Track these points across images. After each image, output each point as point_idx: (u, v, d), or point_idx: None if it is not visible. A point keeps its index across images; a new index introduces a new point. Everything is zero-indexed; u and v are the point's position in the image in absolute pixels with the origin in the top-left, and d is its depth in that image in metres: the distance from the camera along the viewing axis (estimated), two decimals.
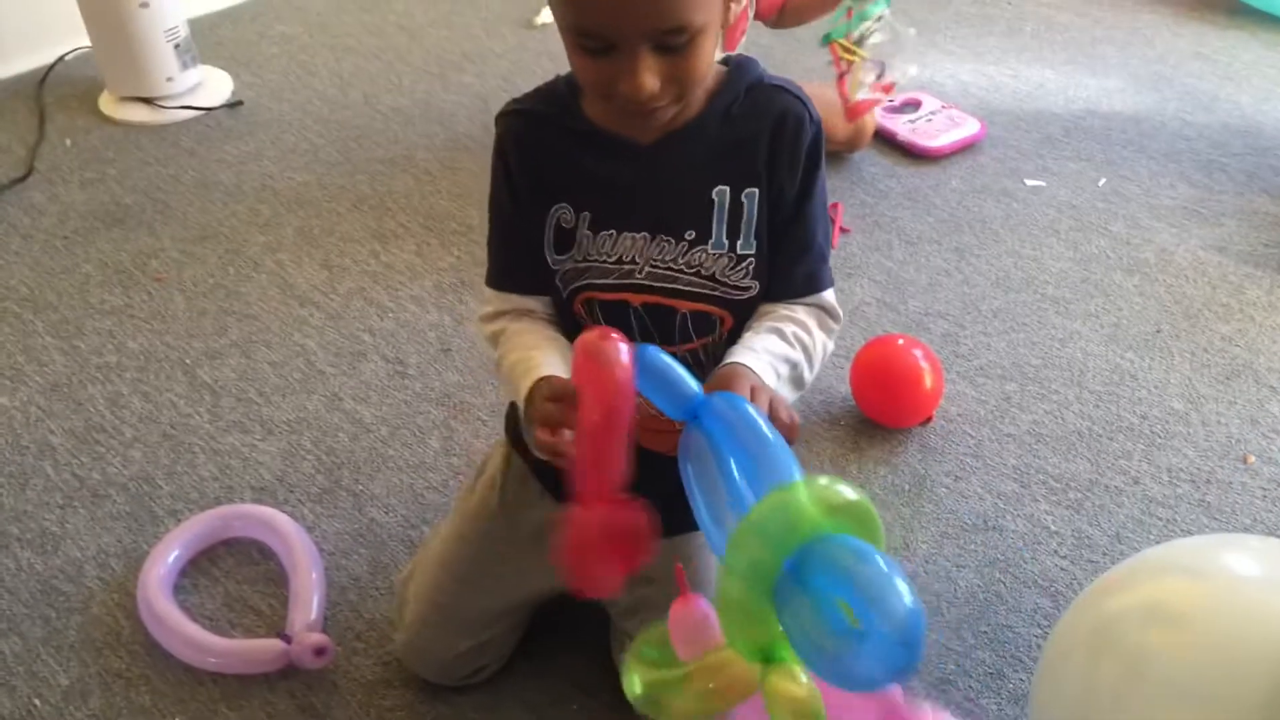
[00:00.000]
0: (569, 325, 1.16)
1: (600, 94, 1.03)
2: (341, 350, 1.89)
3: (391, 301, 2.00)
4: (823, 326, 1.15)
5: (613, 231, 1.11)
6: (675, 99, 1.03)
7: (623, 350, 0.91)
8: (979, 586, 1.48)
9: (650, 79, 0.98)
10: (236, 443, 1.71)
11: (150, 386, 1.82)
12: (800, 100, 1.11)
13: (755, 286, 1.13)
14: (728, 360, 1.05)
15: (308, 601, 1.41)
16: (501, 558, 1.29)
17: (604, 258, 1.12)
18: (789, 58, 2.58)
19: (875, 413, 1.73)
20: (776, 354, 1.08)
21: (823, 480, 0.79)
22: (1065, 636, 1.17)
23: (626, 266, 1.12)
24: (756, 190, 1.10)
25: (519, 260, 1.17)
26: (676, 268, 1.11)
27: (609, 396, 0.90)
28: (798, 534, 0.77)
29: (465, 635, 1.30)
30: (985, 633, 1.42)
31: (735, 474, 0.89)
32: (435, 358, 1.87)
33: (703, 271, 1.12)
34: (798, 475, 0.83)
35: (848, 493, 0.78)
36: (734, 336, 1.16)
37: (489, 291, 1.20)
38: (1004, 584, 1.48)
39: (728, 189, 1.10)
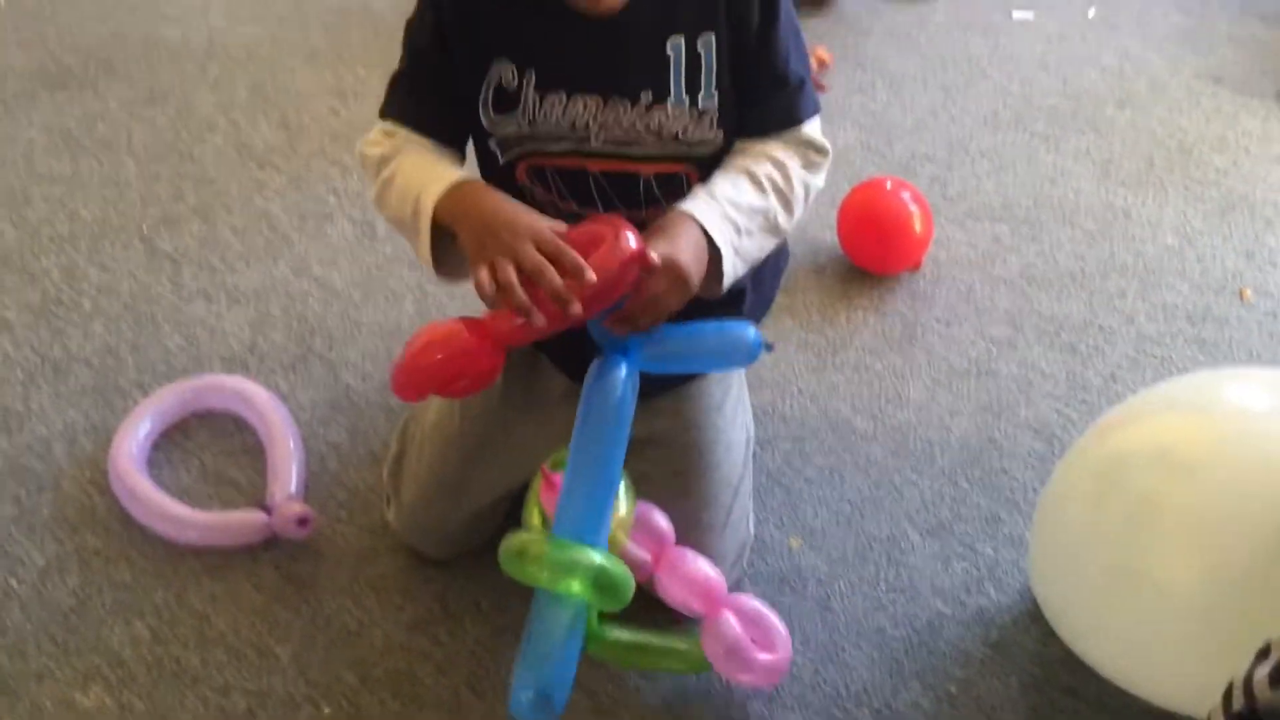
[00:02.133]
0: (510, 194, 1.08)
1: None
2: (306, 213, 1.81)
3: (355, 161, 1.91)
4: (806, 163, 1.09)
5: (562, 94, 1.04)
6: None
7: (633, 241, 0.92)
8: (973, 432, 1.45)
9: None
10: (202, 312, 1.64)
11: (107, 257, 1.74)
12: None
13: (720, 137, 1.07)
14: (682, 206, 1.00)
15: (286, 472, 1.37)
16: (508, 431, 1.25)
17: (554, 122, 1.05)
18: None
19: (863, 260, 1.68)
20: (740, 204, 1.02)
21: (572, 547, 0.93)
22: (1066, 479, 1.14)
23: (580, 132, 1.05)
24: (713, 34, 1.03)
25: (429, 100, 1.09)
26: (635, 131, 1.05)
27: (613, 281, 0.91)
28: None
29: (468, 509, 1.25)
30: (980, 478, 1.40)
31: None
32: None
33: (664, 132, 1.05)
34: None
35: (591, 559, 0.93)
36: None
37: (383, 123, 1.11)
38: (998, 429, 1.46)
39: (682, 39, 1.03)
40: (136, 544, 1.34)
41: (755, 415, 1.41)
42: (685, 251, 0.97)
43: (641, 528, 1.09)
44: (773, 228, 1.06)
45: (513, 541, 0.96)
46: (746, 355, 1.04)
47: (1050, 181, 1.83)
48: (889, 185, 1.68)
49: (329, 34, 2.20)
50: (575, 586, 0.93)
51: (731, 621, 1.09)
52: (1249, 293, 1.62)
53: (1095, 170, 1.85)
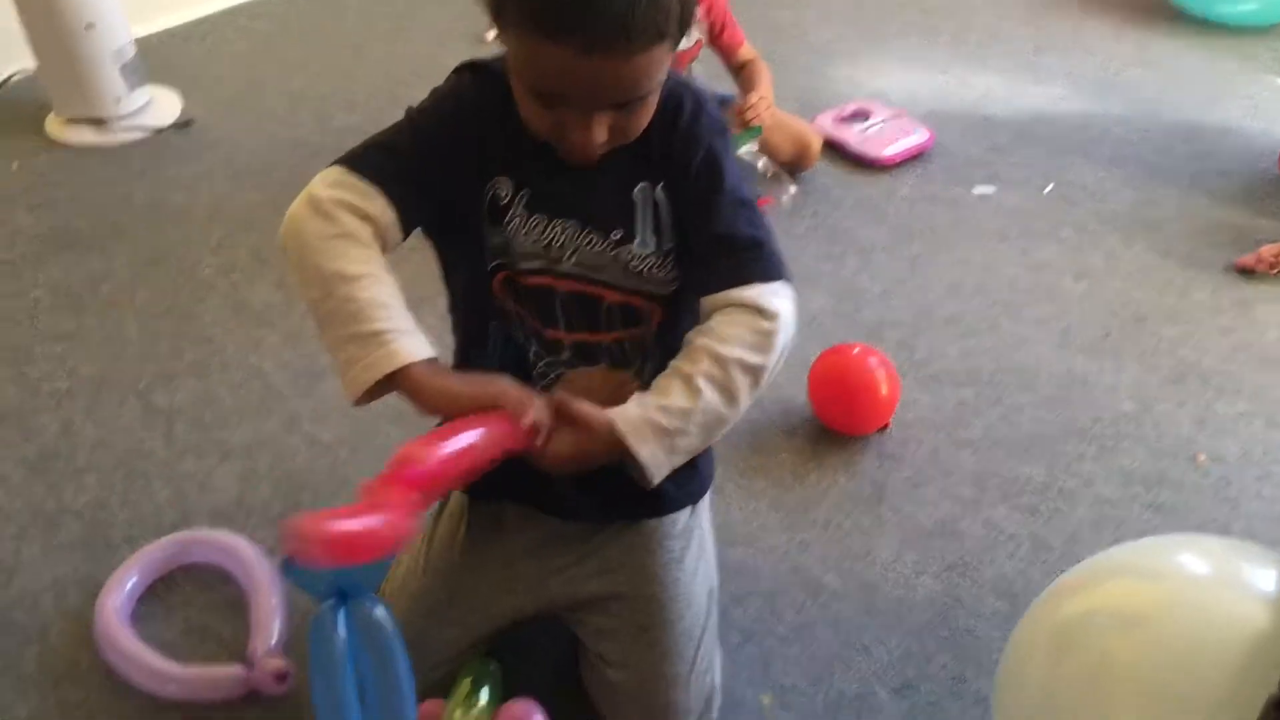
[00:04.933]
0: (483, 302, 1.17)
1: (543, 134, 1.05)
2: (299, 371, 1.88)
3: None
4: (754, 342, 1.06)
5: (544, 216, 1.12)
6: (616, 144, 1.06)
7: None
8: (939, 592, 1.49)
9: (601, 134, 1.02)
10: (193, 467, 1.69)
11: (104, 413, 1.80)
12: (682, 83, 1.12)
13: (679, 278, 1.14)
14: (611, 411, 1.05)
15: (268, 626, 1.40)
16: (471, 589, 1.29)
17: (532, 241, 1.13)
18: None
19: (833, 421, 1.74)
20: (670, 408, 1.05)
21: None
22: (1025, 640, 1.18)
23: (554, 253, 1.13)
24: (668, 186, 1.12)
25: (402, 173, 1.07)
26: (603, 260, 1.13)
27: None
28: None
29: (433, 667, 1.27)
30: (946, 637, 1.43)
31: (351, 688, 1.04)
32: None
33: (630, 268, 1.13)
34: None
35: None
36: (664, 330, 1.17)
37: (344, 175, 1.06)
38: (963, 588, 1.50)
39: (647, 184, 1.12)
40: (118, 697, 1.36)
41: (728, 572, 1.45)
42: (565, 451, 1.04)
43: None
44: (713, 422, 1.06)
45: None
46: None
47: (1012, 348, 1.91)
48: (856, 350, 1.76)
49: None
50: None
51: None
52: (1203, 458, 1.69)
53: (1054, 338, 1.93)
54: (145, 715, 1.34)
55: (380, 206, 1.06)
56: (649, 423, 1.04)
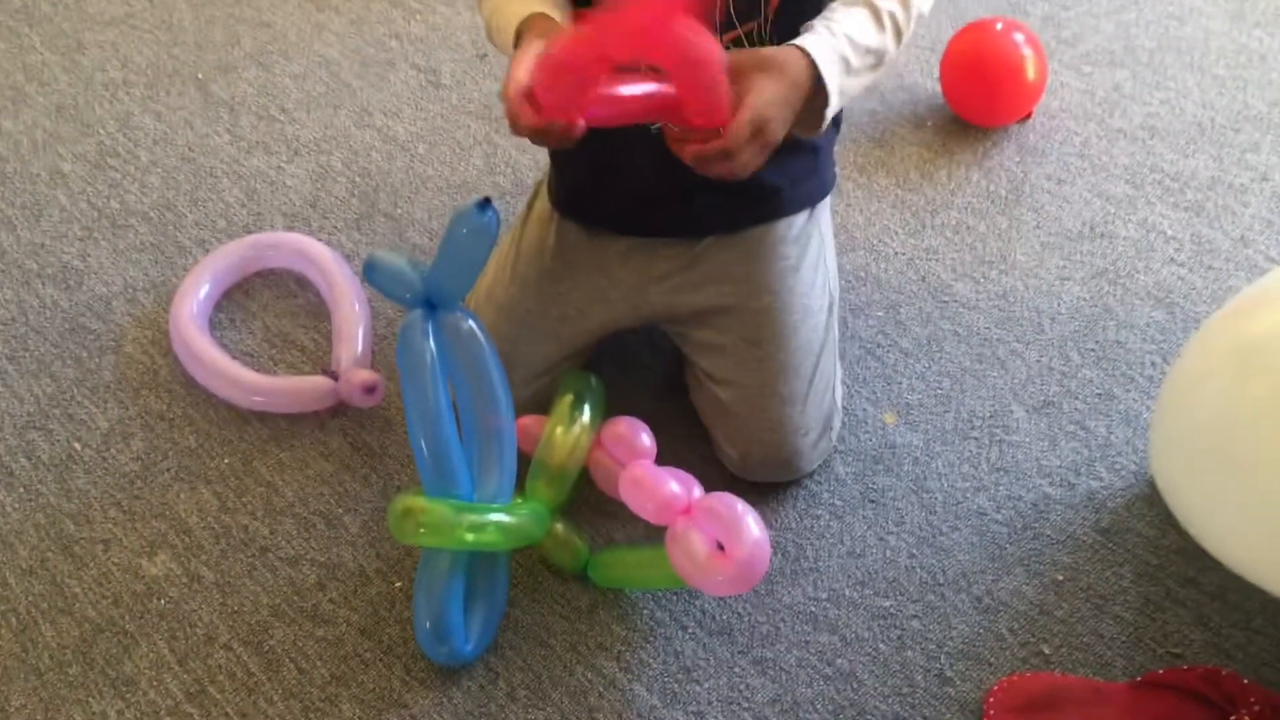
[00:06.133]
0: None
1: None
2: (368, 60, 1.71)
3: (419, 3, 1.79)
4: None
5: None
6: None
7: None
8: (1085, 300, 1.34)
9: None
10: (262, 165, 1.56)
11: (162, 105, 1.66)
12: None
13: None
14: (800, 42, 0.93)
15: (353, 336, 1.31)
16: (563, 299, 1.17)
17: None
18: None
19: (968, 110, 1.54)
20: (858, 42, 0.95)
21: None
22: (1201, 357, 1.04)
23: None
24: None
25: None
26: None
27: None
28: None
29: (527, 382, 1.18)
30: (1093, 350, 1.29)
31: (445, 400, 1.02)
32: (471, 65, 1.68)
33: None
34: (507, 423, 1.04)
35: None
36: (783, 13, 1.01)
37: None
38: (1114, 296, 1.34)
39: None
40: (201, 408, 1.29)
41: (847, 280, 1.31)
42: (775, 105, 0.89)
43: (619, 441, 1.08)
44: (879, 65, 1.00)
45: (397, 504, 1.01)
46: (490, 225, 1.01)
47: (1177, 21, 1.66)
48: (999, 27, 1.53)
49: None
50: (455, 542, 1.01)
51: (686, 533, 0.97)
52: None
53: (1228, 9, 1.67)
54: (229, 427, 1.27)
55: None
56: (841, 58, 0.94)
